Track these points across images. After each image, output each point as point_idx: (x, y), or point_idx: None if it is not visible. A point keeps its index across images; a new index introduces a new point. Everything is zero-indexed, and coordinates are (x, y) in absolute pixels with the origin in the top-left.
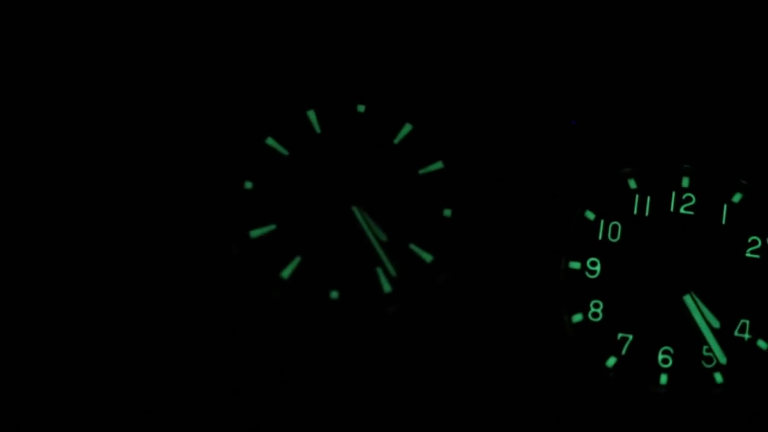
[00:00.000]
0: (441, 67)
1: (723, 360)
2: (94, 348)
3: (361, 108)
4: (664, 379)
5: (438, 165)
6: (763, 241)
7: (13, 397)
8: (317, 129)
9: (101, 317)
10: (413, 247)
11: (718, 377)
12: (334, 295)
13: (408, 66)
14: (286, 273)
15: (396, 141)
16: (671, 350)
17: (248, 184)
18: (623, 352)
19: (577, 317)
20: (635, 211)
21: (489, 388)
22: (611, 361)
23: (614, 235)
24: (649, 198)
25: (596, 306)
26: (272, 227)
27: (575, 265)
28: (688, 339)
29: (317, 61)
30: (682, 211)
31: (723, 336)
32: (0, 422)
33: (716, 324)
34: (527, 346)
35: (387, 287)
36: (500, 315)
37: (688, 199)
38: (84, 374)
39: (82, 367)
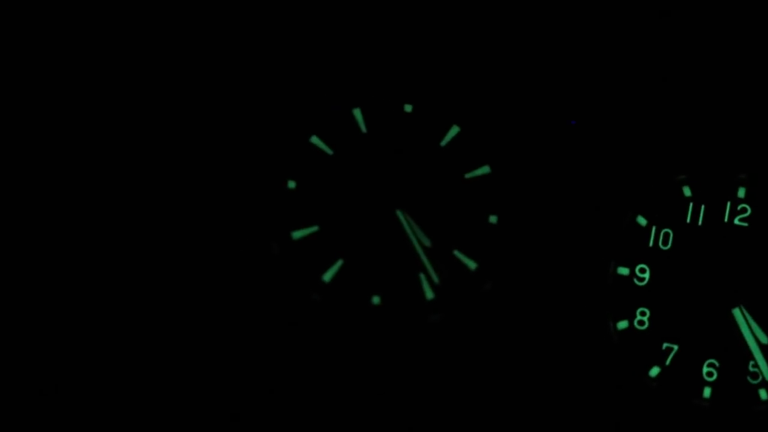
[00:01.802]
0: (491, 69)
1: None
2: (135, 346)
3: (408, 108)
4: (707, 392)
5: (485, 169)
6: None
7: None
8: (363, 128)
9: (144, 315)
10: (457, 253)
11: (763, 394)
12: (376, 300)
13: (457, 66)
14: (327, 276)
15: (443, 143)
16: (716, 363)
17: (291, 184)
18: (667, 362)
19: (623, 324)
20: (688, 220)
21: (530, 393)
22: (655, 371)
23: (665, 243)
24: (703, 207)
25: (643, 314)
26: (315, 228)
27: (624, 271)
28: (735, 353)
29: (364, 59)
30: (736, 222)
31: None
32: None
33: (764, 339)
34: (571, 351)
35: (429, 294)
36: (545, 320)
37: (743, 210)
38: (122, 373)
39: (120, 365)
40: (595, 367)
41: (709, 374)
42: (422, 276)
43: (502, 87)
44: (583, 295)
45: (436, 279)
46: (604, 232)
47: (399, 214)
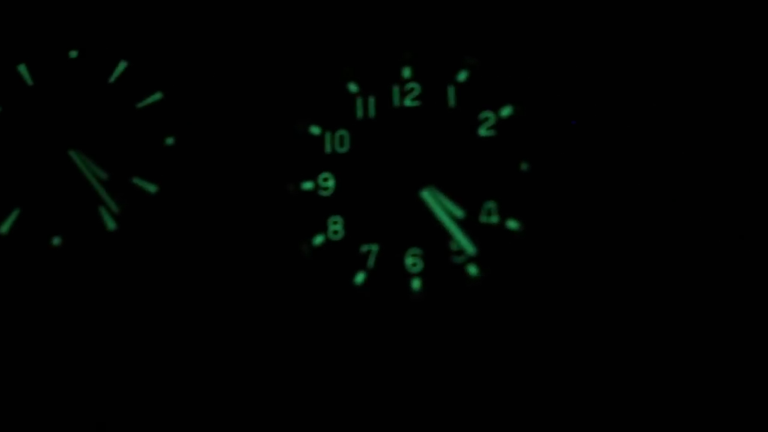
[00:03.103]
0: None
1: (472, 251)
2: None
3: (74, 54)
4: (416, 283)
5: (157, 96)
6: (497, 115)
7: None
8: (29, 81)
9: None
10: (136, 180)
11: (472, 270)
12: (56, 241)
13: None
14: (4, 228)
15: (112, 80)
16: (419, 252)
17: None
18: (370, 264)
19: (319, 238)
20: (360, 115)
21: (237, 322)
22: (360, 277)
23: (342, 145)
24: (371, 98)
25: (335, 223)
26: None
27: (308, 185)
28: (434, 237)
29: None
30: (407, 103)
31: (469, 225)
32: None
33: (459, 214)
34: (267, 277)
35: (111, 225)
36: (235, 246)
37: (412, 90)
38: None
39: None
40: (299, 288)
41: (414, 265)
42: (102, 209)
43: (164, 15)
44: (270, 216)
45: (115, 209)
46: (279, 149)
47: (72, 153)
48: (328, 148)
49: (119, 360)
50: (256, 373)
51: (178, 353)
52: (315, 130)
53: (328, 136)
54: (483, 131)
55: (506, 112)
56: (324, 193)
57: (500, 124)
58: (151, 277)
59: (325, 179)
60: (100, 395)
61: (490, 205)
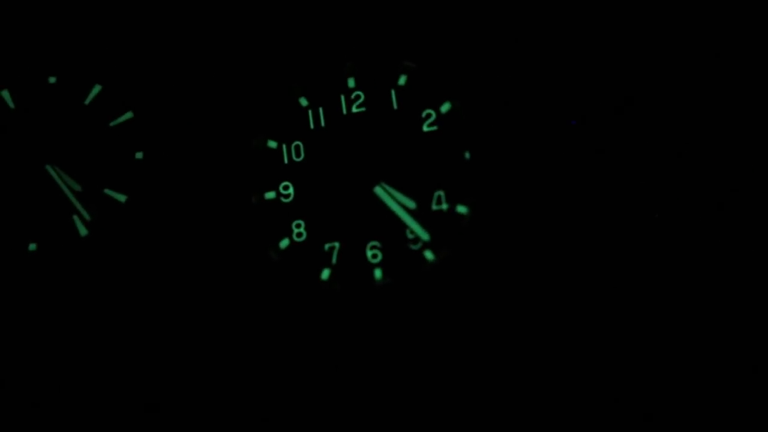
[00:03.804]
0: (122, 29)
1: (426, 237)
2: None
3: (53, 79)
4: (378, 273)
5: (128, 115)
6: (437, 112)
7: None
8: (12, 105)
9: None
10: (108, 191)
11: (429, 255)
12: (32, 247)
13: (91, 31)
14: None
15: (87, 102)
16: (378, 244)
17: None
18: (334, 260)
19: (284, 243)
20: (312, 126)
21: (208, 326)
22: (326, 273)
23: (298, 155)
24: (321, 109)
25: (298, 226)
26: None
27: (270, 195)
28: (390, 228)
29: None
30: (354, 110)
31: (422, 214)
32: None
33: (412, 205)
34: (239, 284)
35: (83, 231)
36: (200, 251)
37: (357, 97)
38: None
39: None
40: (270, 287)
41: (374, 256)
42: (75, 217)
43: (137, 43)
44: (238, 223)
45: (87, 217)
46: (241, 163)
47: (48, 168)
48: (285, 159)
49: (91, 355)
50: (236, 368)
51: (149, 350)
52: (272, 143)
53: (284, 148)
54: (426, 127)
55: (446, 107)
56: (286, 201)
57: (441, 119)
58: (120, 279)
59: (286, 187)
60: (72, 392)
61: (439, 193)
